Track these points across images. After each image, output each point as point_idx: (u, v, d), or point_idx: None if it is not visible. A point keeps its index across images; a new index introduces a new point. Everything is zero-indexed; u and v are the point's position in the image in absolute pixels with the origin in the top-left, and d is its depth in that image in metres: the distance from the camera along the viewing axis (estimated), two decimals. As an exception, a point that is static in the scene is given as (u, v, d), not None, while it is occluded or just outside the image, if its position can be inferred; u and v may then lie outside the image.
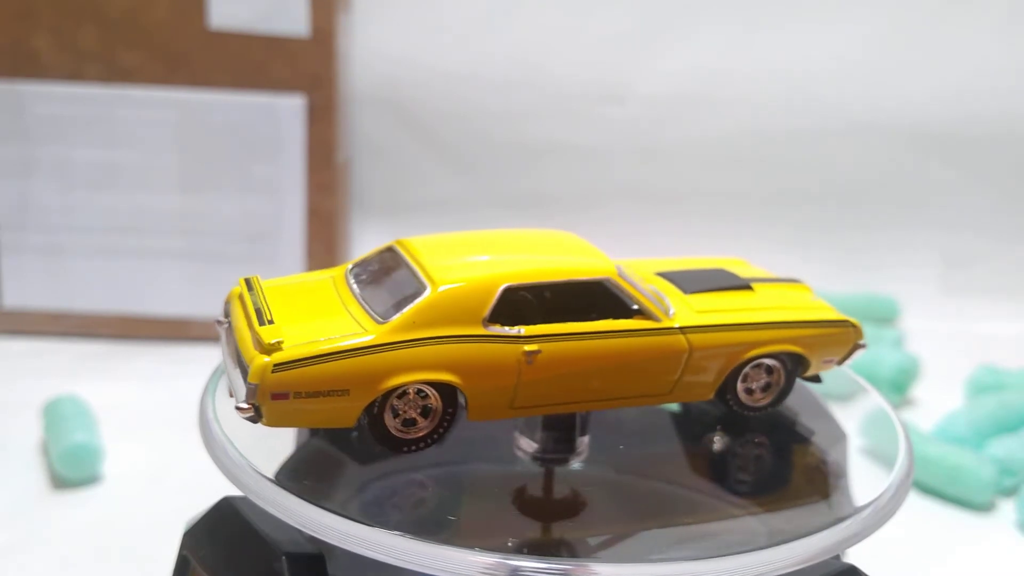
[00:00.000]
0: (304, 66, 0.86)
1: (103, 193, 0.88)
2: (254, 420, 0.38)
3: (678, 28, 1.03)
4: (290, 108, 0.87)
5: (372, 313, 0.40)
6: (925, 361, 0.85)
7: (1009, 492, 0.68)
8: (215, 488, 0.43)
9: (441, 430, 0.41)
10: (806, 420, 0.49)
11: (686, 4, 1.03)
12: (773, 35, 1.04)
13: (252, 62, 0.86)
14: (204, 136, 0.88)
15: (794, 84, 1.04)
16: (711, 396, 0.44)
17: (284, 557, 0.38)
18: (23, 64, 0.86)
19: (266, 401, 0.38)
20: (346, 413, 0.39)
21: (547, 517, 0.42)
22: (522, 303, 0.40)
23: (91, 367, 0.85)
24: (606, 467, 0.45)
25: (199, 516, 0.43)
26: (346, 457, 0.46)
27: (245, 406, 0.38)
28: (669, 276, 0.47)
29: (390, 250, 0.45)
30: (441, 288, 0.39)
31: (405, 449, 0.40)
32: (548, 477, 0.44)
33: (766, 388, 0.45)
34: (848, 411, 0.51)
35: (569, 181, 1.06)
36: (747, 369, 0.44)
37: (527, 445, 0.45)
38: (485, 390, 0.40)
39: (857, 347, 0.46)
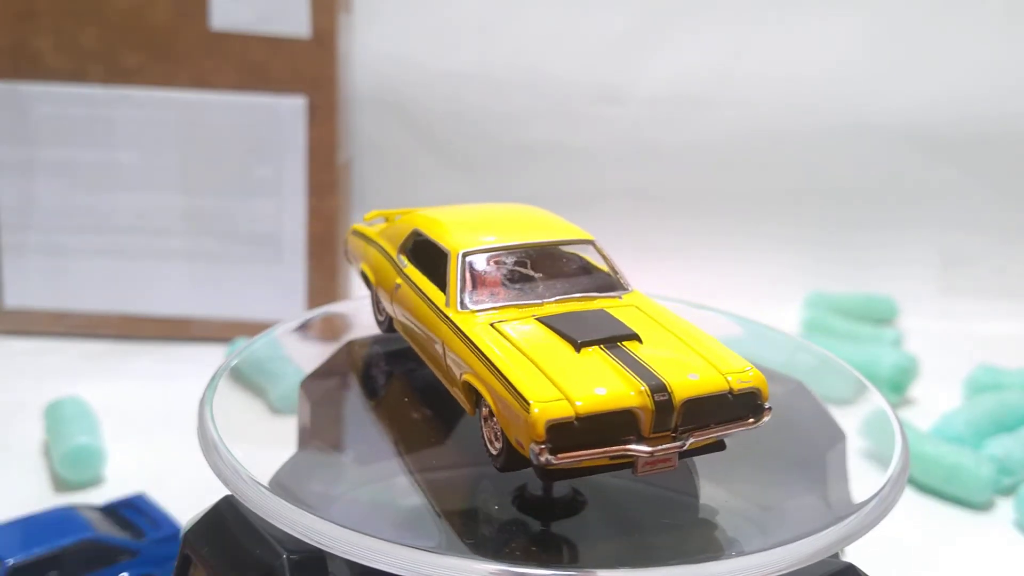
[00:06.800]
0: (305, 67, 0.87)
1: (104, 194, 0.89)
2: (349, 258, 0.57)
3: (677, 29, 1.04)
4: (291, 109, 0.87)
5: None
6: (924, 361, 0.85)
7: (1007, 491, 0.69)
8: (216, 487, 0.43)
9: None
10: (805, 420, 0.49)
11: (685, 5, 1.03)
12: (771, 36, 1.04)
13: (253, 63, 0.86)
14: (205, 137, 0.88)
15: (792, 84, 1.04)
16: (472, 412, 0.40)
17: (285, 556, 0.38)
18: (25, 65, 0.86)
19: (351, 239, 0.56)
20: (365, 271, 0.53)
21: (546, 520, 0.42)
22: (426, 249, 0.47)
23: (92, 367, 0.85)
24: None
25: (200, 515, 0.43)
26: (343, 461, 0.46)
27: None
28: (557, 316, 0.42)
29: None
30: (395, 219, 0.53)
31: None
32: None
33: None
34: (848, 412, 0.51)
35: (568, 181, 1.06)
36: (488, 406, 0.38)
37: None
38: (384, 298, 0.50)
39: (539, 446, 0.34)
